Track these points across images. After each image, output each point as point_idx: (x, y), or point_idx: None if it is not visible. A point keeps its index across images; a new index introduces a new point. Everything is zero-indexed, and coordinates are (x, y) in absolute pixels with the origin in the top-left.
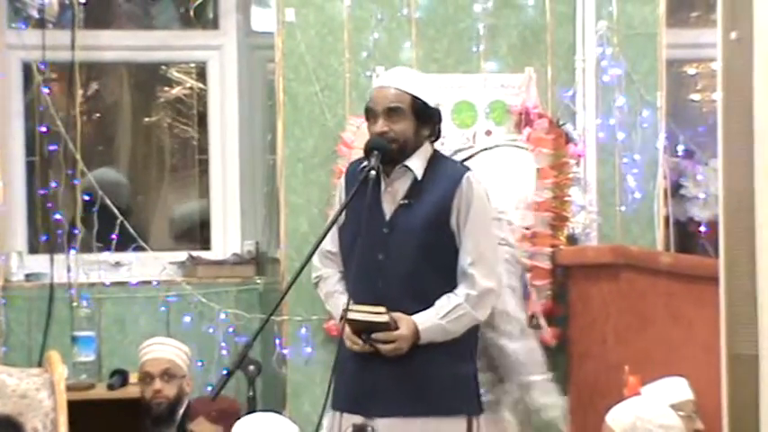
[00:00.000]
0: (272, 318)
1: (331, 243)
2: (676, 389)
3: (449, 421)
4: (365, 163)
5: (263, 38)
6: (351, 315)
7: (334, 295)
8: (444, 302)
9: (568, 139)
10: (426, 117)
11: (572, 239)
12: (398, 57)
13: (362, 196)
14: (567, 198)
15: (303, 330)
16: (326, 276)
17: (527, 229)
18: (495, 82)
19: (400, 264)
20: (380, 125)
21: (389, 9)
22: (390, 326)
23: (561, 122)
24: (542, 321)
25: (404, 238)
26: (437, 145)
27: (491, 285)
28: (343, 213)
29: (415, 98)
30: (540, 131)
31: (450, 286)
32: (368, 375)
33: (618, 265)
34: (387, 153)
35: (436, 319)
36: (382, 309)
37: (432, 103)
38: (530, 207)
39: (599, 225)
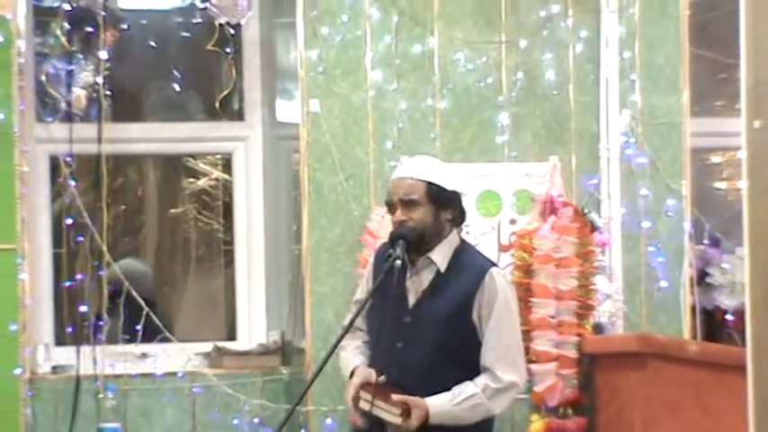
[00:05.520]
0: (298, 408)
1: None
2: None
3: None
4: (390, 251)
5: (288, 128)
6: (366, 406)
7: (346, 349)
8: (462, 389)
9: (593, 228)
10: (444, 201)
11: (598, 328)
12: (423, 146)
13: (390, 283)
14: (592, 286)
15: (329, 421)
16: (345, 346)
17: (552, 317)
18: (520, 171)
19: (418, 353)
20: (398, 214)
21: (414, 99)
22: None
23: (586, 211)
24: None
25: (424, 328)
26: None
27: (514, 379)
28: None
29: (430, 184)
30: (564, 220)
31: (468, 378)
32: None
33: (645, 354)
34: (412, 242)
35: (450, 405)
36: (398, 411)
37: (449, 187)
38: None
39: (625, 313)
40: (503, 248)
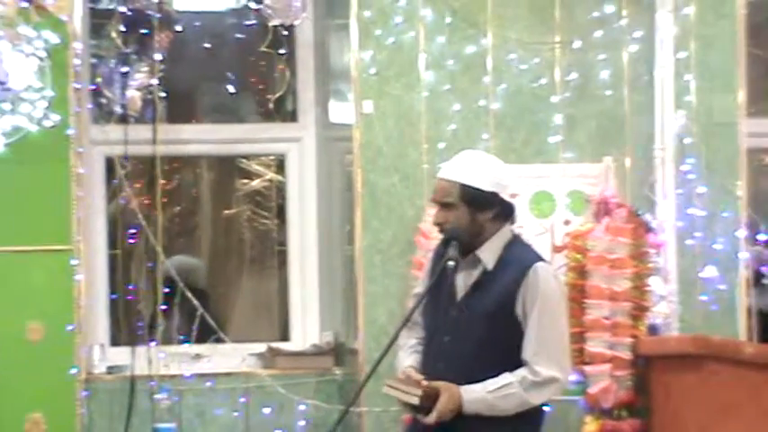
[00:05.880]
0: (352, 409)
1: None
2: None
3: None
4: (444, 251)
5: (341, 130)
6: (386, 390)
7: (403, 348)
8: (498, 378)
9: (648, 229)
10: (481, 202)
11: (652, 329)
12: (476, 147)
13: (444, 281)
14: (646, 288)
15: (382, 421)
16: (402, 344)
17: (606, 319)
18: (574, 172)
19: (463, 347)
20: (435, 217)
21: (467, 100)
22: (422, 408)
23: (640, 212)
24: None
25: (470, 323)
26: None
27: (553, 374)
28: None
29: (464, 186)
30: (618, 221)
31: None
32: None
33: (700, 356)
34: (464, 242)
35: (483, 392)
36: (418, 391)
37: (486, 188)
38: None
39: (680, 315)
40: (556, 249)
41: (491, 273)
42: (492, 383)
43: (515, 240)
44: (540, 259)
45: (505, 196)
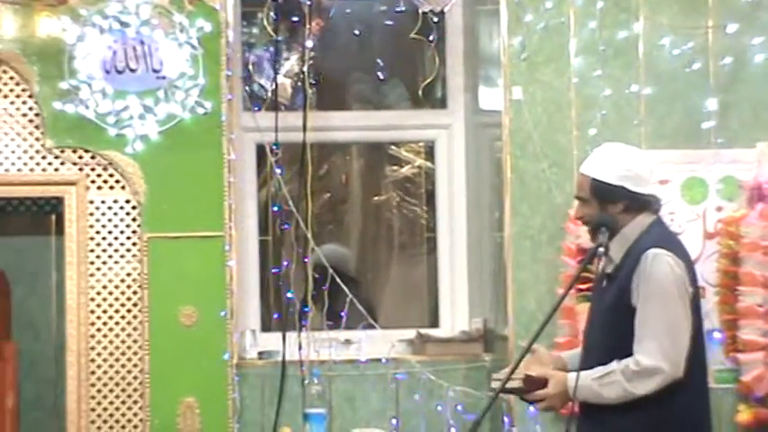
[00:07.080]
0: (501, 396)
1: None
2: None
3: None
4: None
5: (490, 116)
6: (493, 383)
7: None
8: (607, 366)
9: None
10: (609, 196)
11: None
12: (627, 133)
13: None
14: None
15: (532, 408)
16: None
17: (760, 306)
18: (727, 157)
19: (593, 339)
20: (575, 212)
21: (618, 85)
22: (521, 390)
23: None
24: None
25: (599, 313)
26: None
27: (653, 364)
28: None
29: (593, 180)
30: None
31: None
32: None
33: None
34: (614, 229)
35: (589, 379)
36: (521, 375)
37: (613, 181)
38: None
39: None
40: (708, 236)
41: (618, 265)
42: (599, 371)
43: (649, 230)
44: (658, 246)
45: (639, 189)
